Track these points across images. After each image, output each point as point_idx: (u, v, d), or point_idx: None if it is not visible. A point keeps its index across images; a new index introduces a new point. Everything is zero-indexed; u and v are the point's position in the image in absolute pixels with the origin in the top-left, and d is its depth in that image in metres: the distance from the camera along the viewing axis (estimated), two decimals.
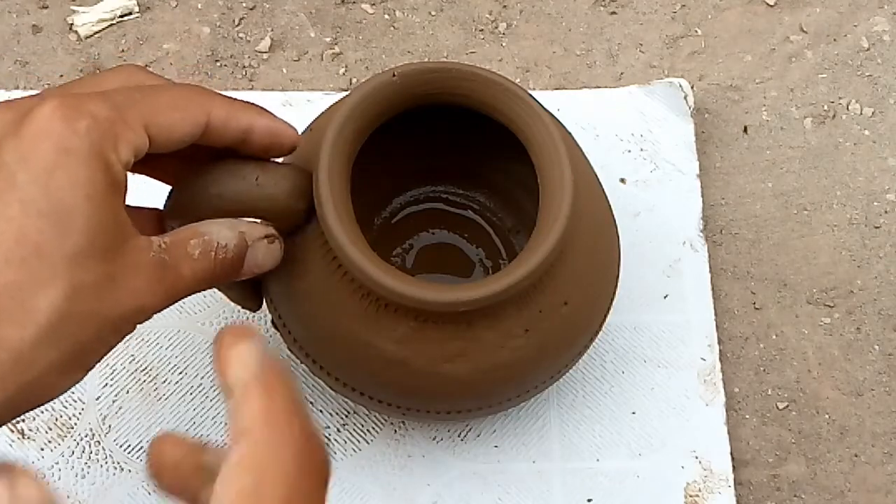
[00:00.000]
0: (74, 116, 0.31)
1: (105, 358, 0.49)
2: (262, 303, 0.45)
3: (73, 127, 0.30)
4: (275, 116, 0.38)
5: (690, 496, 0.48)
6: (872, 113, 0.59)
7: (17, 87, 0.57)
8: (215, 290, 0.46)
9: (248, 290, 0.44)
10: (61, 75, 0.58)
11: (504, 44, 0.60)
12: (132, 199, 0.35)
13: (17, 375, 0.30)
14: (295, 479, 0.26)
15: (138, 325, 0.35)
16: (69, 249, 0.30)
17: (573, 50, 0.60)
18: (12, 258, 0.30)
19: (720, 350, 0.52)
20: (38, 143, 0.30)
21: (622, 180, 0.55)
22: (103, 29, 0.59)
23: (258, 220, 0.39)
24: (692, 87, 0.57)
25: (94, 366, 0.33)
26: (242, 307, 0.46)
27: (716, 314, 0.52)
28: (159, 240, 0.34)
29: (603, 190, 0.46)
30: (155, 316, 0.53)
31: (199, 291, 0.37)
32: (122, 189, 0.33)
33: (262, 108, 0.38)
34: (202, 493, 0.28)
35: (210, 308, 0.51)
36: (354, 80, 0.58)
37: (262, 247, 0.38)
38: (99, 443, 0.49)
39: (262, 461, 0.26)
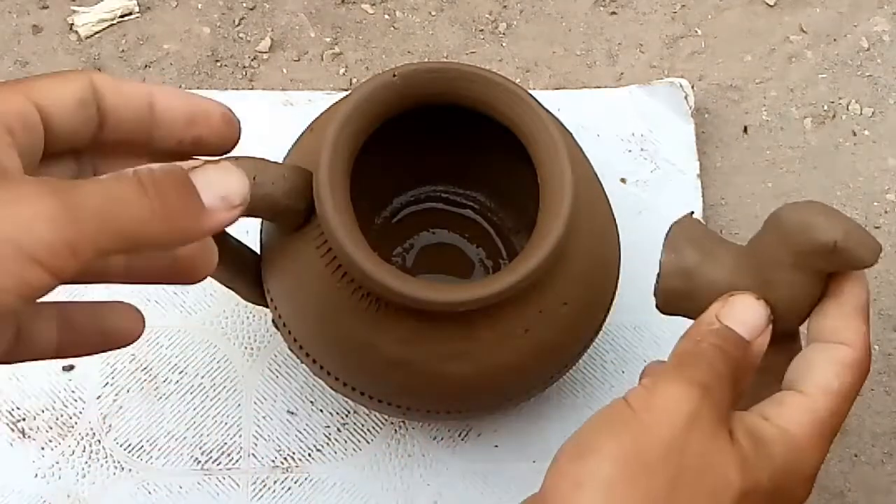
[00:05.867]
0: None
1: (105, 357, 0.50)
2: None
3: None
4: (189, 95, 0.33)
5: None
6: (872, 113, 0.59)
7: None
8: (217, 288, 0.46)
9: (260, 288, 0.44)
10: None
11: (504, 44, 0.60)
12: None
13: None
14: None
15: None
16: None
17: (573, 50, 0.60)
18: None
19: None
20: None
21: (622, 180, 0.55)
22: (104, 29, 0.59)
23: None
24: (692, 88, 0.57)
25: None
26: (255, 304, 0.46)
27: None
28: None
29: (603, 190, 0.46)
30: (155, 315, 0.52)
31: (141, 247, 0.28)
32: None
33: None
34: None
35: (210, 307, 0.51)
36: (354, 81, 0.58)
37: (211, 170, 0.28)
38: (99, 441, 0.49)
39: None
